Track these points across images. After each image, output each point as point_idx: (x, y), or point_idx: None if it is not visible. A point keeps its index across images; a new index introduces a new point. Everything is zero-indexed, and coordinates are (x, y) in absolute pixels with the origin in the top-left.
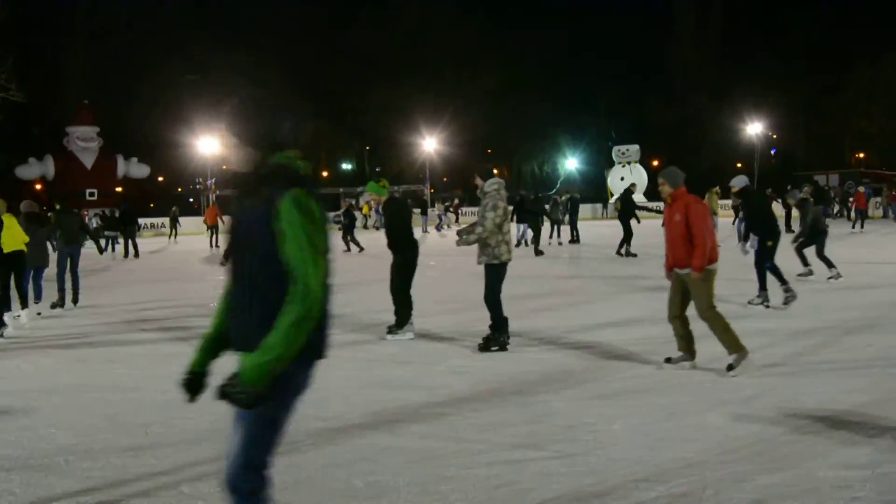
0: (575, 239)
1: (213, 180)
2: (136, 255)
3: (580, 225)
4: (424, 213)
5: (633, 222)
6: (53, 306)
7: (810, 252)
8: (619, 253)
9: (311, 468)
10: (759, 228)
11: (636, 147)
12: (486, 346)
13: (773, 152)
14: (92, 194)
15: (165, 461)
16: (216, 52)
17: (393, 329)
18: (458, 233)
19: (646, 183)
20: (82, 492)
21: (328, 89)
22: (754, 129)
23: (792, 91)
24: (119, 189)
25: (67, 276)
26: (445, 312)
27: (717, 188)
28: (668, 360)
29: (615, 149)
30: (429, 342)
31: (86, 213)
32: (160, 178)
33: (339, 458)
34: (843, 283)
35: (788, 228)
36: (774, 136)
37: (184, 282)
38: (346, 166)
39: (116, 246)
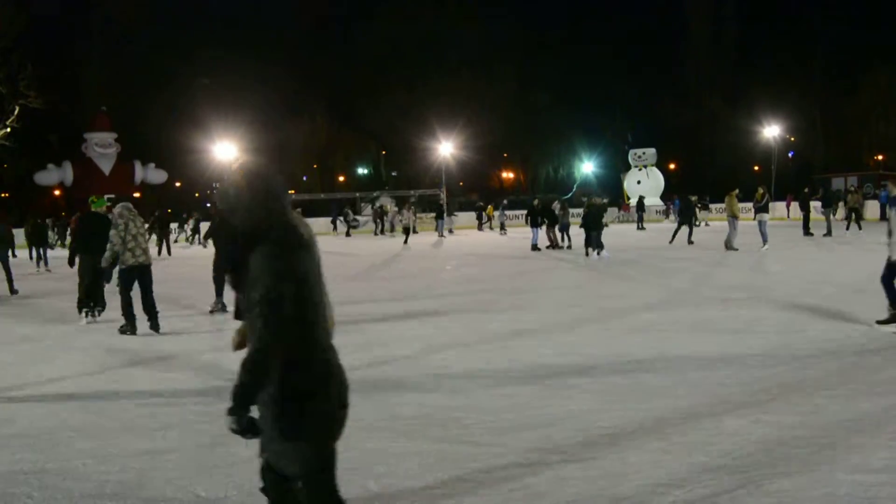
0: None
1: None
2: (169, 253)
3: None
4: (441, 217)
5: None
6: None
7: None
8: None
9: None
10: None
11: (652, 150)
12: (122, 331)
13: (790, 155)
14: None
15: (182, 465)
16: (231, 58)
17: None
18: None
19: (662, 186)
20: (100, 495)
21: (343, 93)
22: (771, 131)
23: (810, 93)
24: (137, 195)
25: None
26: (459, 311)
27: (737, 190)
28: None
29: (631, 152)
30: (442, 345)
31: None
32: (177, 184)
33: (354, 462)
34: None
35: (807, 231)
36: (792, 139)
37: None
38: (362, 171)
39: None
